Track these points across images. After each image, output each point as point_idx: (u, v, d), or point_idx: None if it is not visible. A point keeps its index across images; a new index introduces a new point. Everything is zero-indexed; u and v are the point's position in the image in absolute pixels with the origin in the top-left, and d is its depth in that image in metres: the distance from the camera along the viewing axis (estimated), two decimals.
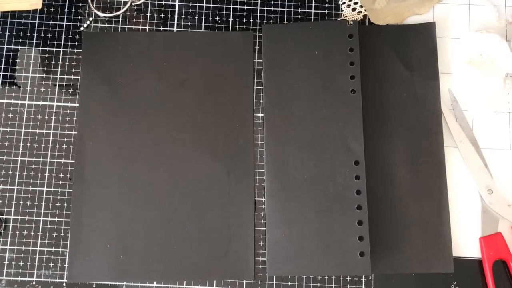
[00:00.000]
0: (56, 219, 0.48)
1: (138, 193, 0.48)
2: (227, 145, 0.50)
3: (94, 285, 0.47)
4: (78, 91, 0.51)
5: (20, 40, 0.52)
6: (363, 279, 0.48)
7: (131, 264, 0.47)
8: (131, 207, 0.48)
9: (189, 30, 0.52)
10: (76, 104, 0.50)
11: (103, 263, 0.47)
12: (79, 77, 0.51)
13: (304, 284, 0.48)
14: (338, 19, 0.52)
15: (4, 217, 0.48)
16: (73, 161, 0.49)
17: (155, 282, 0.48)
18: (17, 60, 0.51)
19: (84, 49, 0.51)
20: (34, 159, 0.49)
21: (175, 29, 0.53)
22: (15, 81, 0.51)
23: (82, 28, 0.52)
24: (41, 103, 0.51)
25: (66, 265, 0.47)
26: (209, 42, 0.52)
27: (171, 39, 0.52)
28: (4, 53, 0.51)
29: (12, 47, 0.52)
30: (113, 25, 0.52)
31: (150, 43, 0.51)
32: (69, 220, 0.48)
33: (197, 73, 0.51)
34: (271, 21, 0.53)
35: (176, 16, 0.53)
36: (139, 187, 0.48)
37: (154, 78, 0.51)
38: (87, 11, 0.53)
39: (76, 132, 0.50)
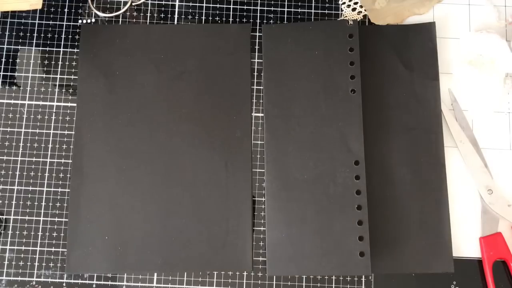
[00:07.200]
0: (56, 219, 0.48)
1: (136, 185, 0.48)
2: (225, 137, 0.50)
3: (94, 286, 0.47)
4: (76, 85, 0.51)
5: (20, 40, 0.52)
6: (363, 279, 0.48)
7: (129, 256, 0.47)
8: (129, 199, 0.48)
9: (187, 23, 0.52)
10: (76, 104, 0.50)
11: (101, 254, 0.47)
12: (77, 71, 0.51)
13: (304, 284, 0.48)
14: (338, 19, 0.52)
15: (4, 217, 0.48)
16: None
17: (155, 278, 0.48)
18: (17, 60, 0.51)
19: (82, 42, 0.51)
20: (34, 159, 0.49)
21: None
22: (15, 81, 0.51)
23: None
24: (41, 103, 0.51)
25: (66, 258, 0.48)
26: (207, 34, 0.52)
27: (168, 32, 0.52)
28: (4, 53, 0.51)
29: (12, 47, 0.52)
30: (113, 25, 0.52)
31: (148, 35, 0.52)
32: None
33: (194, 65, 0.51)
34: (271, 21, 0.53)
35: (176, 16, 0.53)
36: (137, 179, 0.49)
37: (152, 71, 0.51)
38: (87, 11, 0.53)
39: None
